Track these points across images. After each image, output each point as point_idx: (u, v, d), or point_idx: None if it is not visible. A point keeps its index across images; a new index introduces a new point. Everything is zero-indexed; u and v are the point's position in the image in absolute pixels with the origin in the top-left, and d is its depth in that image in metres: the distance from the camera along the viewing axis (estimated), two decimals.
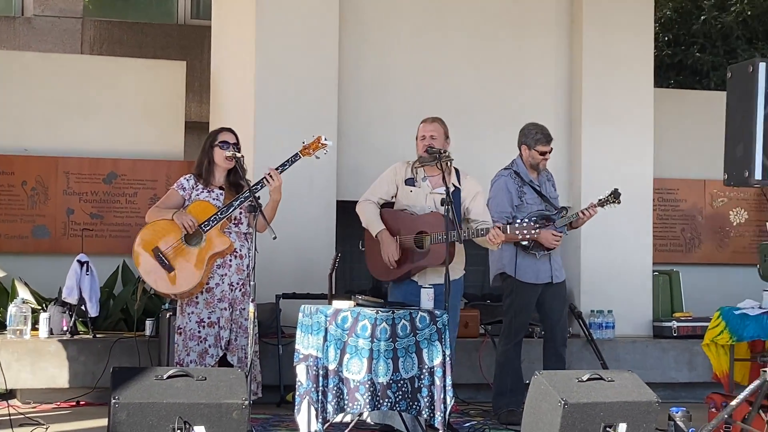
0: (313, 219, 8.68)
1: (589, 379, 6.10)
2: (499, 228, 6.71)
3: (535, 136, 7.50)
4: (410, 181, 7.07)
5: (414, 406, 6.15)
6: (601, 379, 6.15)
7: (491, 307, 8.94)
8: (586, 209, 7.51)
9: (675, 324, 9.25)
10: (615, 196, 7.48)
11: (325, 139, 6.80)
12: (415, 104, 9.04)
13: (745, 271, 9.87)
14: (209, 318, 6.69)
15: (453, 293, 6.71)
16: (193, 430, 5.13)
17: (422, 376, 6.18)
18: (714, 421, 6.43)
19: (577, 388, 6.01)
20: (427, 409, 6.13)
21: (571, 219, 7.46)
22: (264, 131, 8.62)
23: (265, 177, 6.66)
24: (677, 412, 6.42)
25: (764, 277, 6.83)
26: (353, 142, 8.98)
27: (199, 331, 6.67)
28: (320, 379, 6.01)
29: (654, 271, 9.60)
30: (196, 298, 6.69)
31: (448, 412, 6.18)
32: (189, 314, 6.70)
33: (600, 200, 7.51)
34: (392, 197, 7.11)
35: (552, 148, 7.58)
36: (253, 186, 6.60)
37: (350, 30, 9.05)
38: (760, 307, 6.99)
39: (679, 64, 13.79)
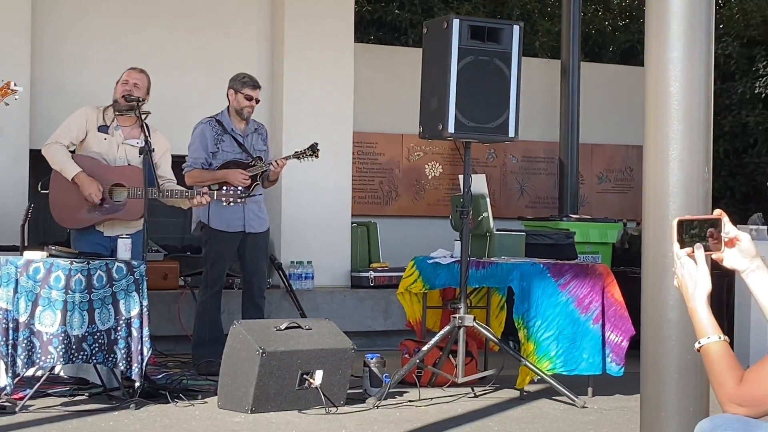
0: (3, 168, 8.33)
1: (287, 328, 6.17)
2: (206, 194, 6.70)
3: (243, 80, 7.47)
4: (103, 129, 6.89)
5: (111, 359, 6.03)
6: (299, 327, 6.23)
7: (191, 259, 8.86)
8: (276, 160, 7.52)
9: (372, 274, 9.48)
10: (313, 149, 7.54)
11: (15, 85, 6.50)
12: (113, 52, 8.82)
13: (439, 223, 10.20)
14: None
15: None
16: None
17: (119, 328, 6.06)
18: (406, 366, 6.65)
19: (275, 337, 6.06)
20: (124, 361, 6.02)
21: (263, 168, 7.43)
22: None
23: None
24: (372, 359, 6.59)
25: (455, 227, 7.08)
26: (48, 89, 8.67)
27: None
28: (10, 332, 5.78)
29: (353, 223, 9.79)
30: None
31: (145, 364, 6.10)
32: None
33: (297, 152, 7.55)
34: (80, 142, 6.92)
35: (259, 98, 7.56)
36: None
37: None
38: (452, 256, 7.25)
39: (379, 21, 14.05)
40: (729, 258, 2.89)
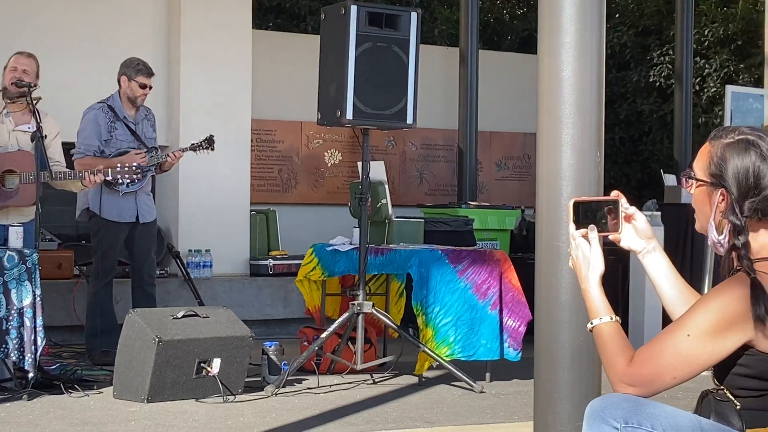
0: None
1: (184, 316, 6.11)
2: (100, 172, 6.58)
3: (136, 66, 7.34)
4: None
5: (2, 349, 5.90)
6: (196, 315, 6.17)
7: (86, 248, 8.72)
8: (173, 152, 7.41)
9: (271, 262, 9.43)
10: (209, 142, 7.45)
11: None
12: (4, 35, 8.62)
13: (338, 210, 10.18)
14: None
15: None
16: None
17: (11, 318, 5.93)
18: (305, 354, 6.63)
19: (171, 325, 6.00)
20: (16, 352, 5.90)
21: (159, 159, 7.32)
22: None
23: None
24: (270, 346, 6.56)
25: (354, 214, 7.07)
26: None
27: None
28: None
29: (251, 211, 9.73)
30: None
31: (38, 354, 5.99)
32: None
33: (193, 145, 7.45)
34: None
35: (152, 85, 7.45)
36: None
37: None
38: (351, 244, 7.24)
39: (277, 7, 13.97)
40: (626, 239, 2.93)
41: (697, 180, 2.80)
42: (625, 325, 8.00)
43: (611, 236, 2.88)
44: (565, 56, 3.42)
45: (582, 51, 3.42)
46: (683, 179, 2.85)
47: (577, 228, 2.84)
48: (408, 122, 6.77)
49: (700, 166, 2.81)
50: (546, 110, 3.46)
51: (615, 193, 2.90)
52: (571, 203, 2.84)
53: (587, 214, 2.83)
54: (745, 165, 2.72)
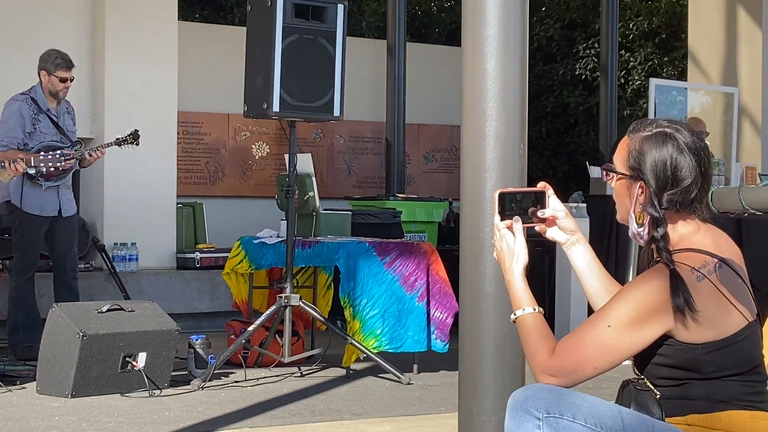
0: None
1: (108, 310, 6.05)
2: (23, 162, 6.48)
3: (55, 61, 7.24)
4: None
5: None
6: (121, 309, 6.12)
7: (8, 242, 8.59)
8: (94, 149, 7.31)
9: (198, 255, 9.38)
10: (134, 137, 7.36)
11: None
12: None
13: (266, 203, 10.14)
14: None
15: None
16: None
17: None
18: (232, 347, 6.61)
19: (96, 319, 5.94)
20: None
21: (83, 153, 7.22)
22: None
23: None
24: (197, 340, 6.53)
25: (281, 207, 7.05)
26: None
27: None
28: None
29: (178, 204, 9.66)
30: None
31: None
32: None
33: (118, 139, 7.36)
34: None
35: (74, 77, 7.36)
36: None
37: None
38: (278, 236, 7.22)
39: None
40: (551, 230, 2.95)
41: (617, 173, 2.83)
42: (551, 316, 8.08)
43: (537, 227, 2.90)
44: (489, 49, 3.44)
45: (505, 44, 3.44)
46: (603, 172, 2.88)
47: (502, 219, 2.85)
48: (335, 115, 6.76)
49: (619, 159, 2.84)
50: (470, 103, 3.48)
51: (542, 185, 2.92)
52: (496, 194, 2.85)
53: (512, 206, 2.84)
54: (662, 158, 2.75)
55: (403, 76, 11.07)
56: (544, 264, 8.35)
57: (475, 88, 3.45)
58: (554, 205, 2.92)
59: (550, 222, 2.93)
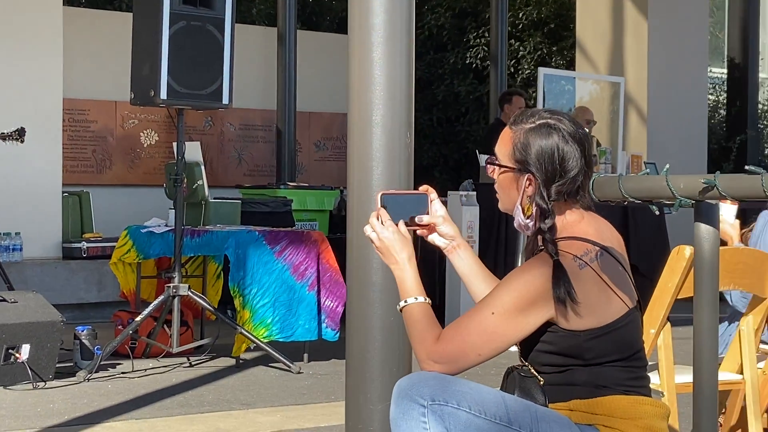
0: None
1: None
2: None
3: None
4: None
5: None
6: (4, 300, 5.99)
7: None
8: None
9: (84, 245, 9.22)
10: (20, 134, 7.19)
11: None
12: None
13: (154, 191, 10.02)
14: None
15: None
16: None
17: None
18: (119, 337, 6.51)
19: None
20: None
21: None
22: None
23: None
24: (83, 331, 6.42)
25: (170, 195, 6.97)
26: None
27: None
28: None
29: (64, 192, 9.47)
30: None
31: None
32: None
33: (2, 134, 7.20)
34: None
35: None
36: None
37: None
38: (166, 225, 7.14)
39: None
40: (432, 236, 2.96)
41: (503, 166, 2.84)
42: (441, 308, 8.12)
43: (419, 231, 2.90)
44: (375, 38, 3.43)
45: (391, 32, 3.43)
46: (487, 165, 2.89)
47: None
48: (224, 102, 6.70)
49: (503, 152, 2.84)
50: (356, 92, 3.47)
51: (424, 188, 2.92)
52: (379, 195, 2.84)
53: (395, 208, 2.83)
54: (549, 149, 2.76)
55: (294, 64, 11.03)
56: (434, 254, 8.38)
57: (362, 76, 3.44)
58: (436, 209, 2.92)
59: (431, 228, 2.94)
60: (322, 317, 6.85)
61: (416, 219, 2.87)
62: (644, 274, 7.06)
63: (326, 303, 6.86)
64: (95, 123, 10.52)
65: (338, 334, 6.81)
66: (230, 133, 11.41)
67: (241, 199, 8.70)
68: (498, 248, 8.80)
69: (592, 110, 10.11)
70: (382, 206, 2.82)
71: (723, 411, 4.34)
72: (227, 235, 6.79)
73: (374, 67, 3.44)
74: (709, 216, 2.57)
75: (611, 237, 2.85)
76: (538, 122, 2.79)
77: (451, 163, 14.80)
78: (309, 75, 11.53)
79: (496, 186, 2.89)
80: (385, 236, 2.82)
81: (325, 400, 5.76)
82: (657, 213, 2.66)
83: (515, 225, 2.86)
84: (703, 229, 2.59)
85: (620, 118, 11.02)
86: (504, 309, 2.67)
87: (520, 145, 2.79)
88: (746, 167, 2.45)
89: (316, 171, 11.91)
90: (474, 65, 14.90)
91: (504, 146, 2.84)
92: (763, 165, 12.68)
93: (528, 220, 2.80)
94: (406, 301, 2.80)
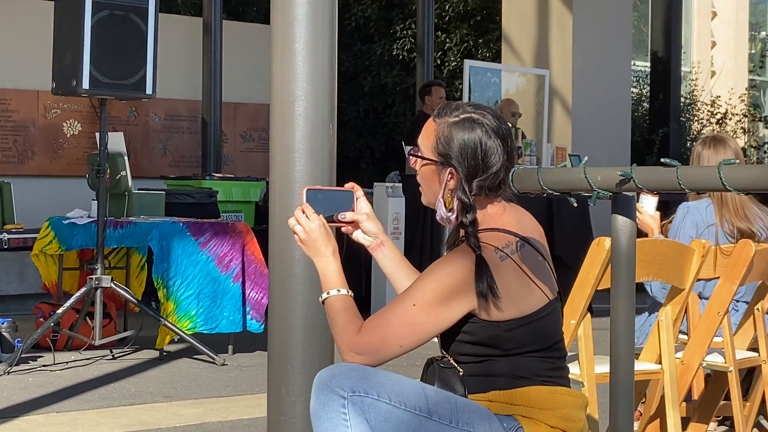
0: None
1: None
2: None
3: None
4: None
5: None
6: None
7: None
8: None
9: (5, 236, 9.06)
10: None
11: None
12: None
13: (77, 182, 9.89)
14: None
15: None
16: None
17: None
18: (40, 330, 6.44)
19: None
20: None
21: None
22: None
23: None
24: (3, 323, 6.33)
25: (92, 186, 6.89)
26: None
27: None
28: None
29: None
30: None
31: None
32: None
33: None
34: None
35: None
36: None
37: None
38: (89, 216, 7.06)
39: None
40: (356, 233, 2.96)
41: (425, 159, 2.84)
42: (368, 300, 8.13)
43: (343, 228, 2.90)
44: (298, 29, 3.41)
45: (314, 24, 3.42)
46: (409, 156, 2.89)
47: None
48: (147, 93, 6.64)
49: (426, 144, 2.84)
50: (278, 84, 3.45)
51: (350, 185, 2.91)
52: (304, 191, 2.83)
53: (320, 204, 2.83)
54: (472, 144, 2.76)
55: (220, 54, 10.96)
56: (360, 247, 8.38)
57: (284, 68, 3.43)
58: (362, 207, 2.92)
59: (355, 225, 2.94)
60: (247, 309, 6.83)
61: (340, 216, 2.87)
62: (568, 265, 7.13)
63: (251, 295, 6.84)
64: (17, 113, 10.36)
65: (263, 326, 6.79)
66: (155, 124, 11.31)
67: (165, 190, 8.62)
68: (424, 240, 8.83)
69: (518, 102, 10.18)
70: (307, 202, 2.81)
71: (643, 400, 4.41)
72: (151, 226, 6.74)
73: (297, 58, 3.43)
74: (626, 208, 2.60)
75: (533, 228, 2.87)
76: (462, 116, 2.79)
77: (378, 154, 14.81)
78: (235, 65, 11.45)
79: (418, 178, 2.89)
80: (311, 229, 2.82)
81: (249, 392, 5.74)
82: (575, 205, 2.69)
83: (437, 218, 2.87)
84: (620, 220, 2.62)
85: (545, 110, 11.11)
86: (425, 300, 2.68)
87: (444, 139, 2.79)
88: (662, 160, 2.48)
89: (243, 162, 11.84)
90: (401, 57, 14.91)
91: (427, 138, 2.84)
92: (685, 157, 12.86)
93: (450, 213, 2.81)
94: (328, 293, 2.80)
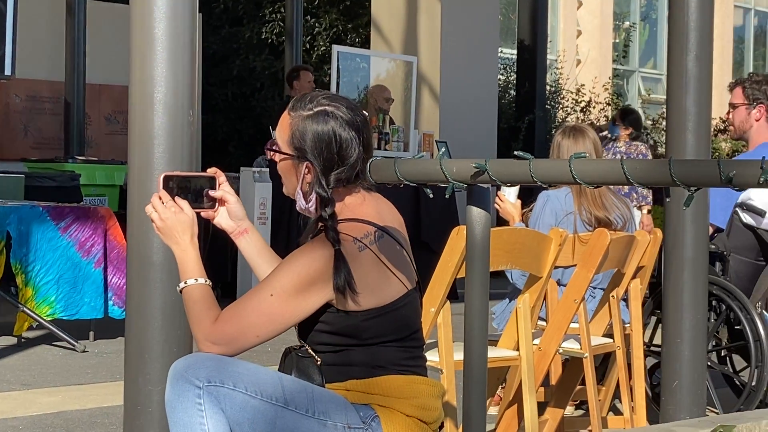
0: None
1: None
2: None
3: None
4: None
5: None
6: None
7: None
8: None
9: None
10: None
11: None
12: None
13: None
14: None
15: None
16: None
17: None
18: None
19: None
20: None
21: None
22: None
23: None
24: None
25: None
26: None
27: None
28: None
29: None
30: None
31: None
32: None
33: None
34: None
35: None
36: None
37: None
38: None
39: None
40: (219, 218, 2.93)
41: (282, 153, 2.82)
42: (233, 286, 8.08)
43: (203, 214, 2.87)
44: (158, 14, 3.36)
45: (174, 9, 3.37)
46: (267, 151, 2.87)
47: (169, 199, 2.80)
48: (6, 73, 6.50)
49: (283, 138, 2.82)
50: (138, 68, 3.40)
51: (213, 170, 2.89)
52: (161, 177, 2.79)
53: (180, 190, 2.80)
54: (327, 137, 2.75)
55: (84, 34, 10.75)
56: (226, 235, 8.32)
57: (144, 53, 3.38)
58: (226, 191, 2.90)
59: (217, 210, 2.91)
60: (109, 295, 6.73)
61: (206, 200, 2.84)
62: (435, 251, 7.19)
63: (113, 280, 6.75)
64: None
65: (125, 312, 6.69)
66: (16, 105, 11.04)
67: (25, 173, 8.43)
68: (291, 226, 8.81)
69: (389, 88, 10.23)
70: (165, 188, 2.78)
71: (502, 385, 4.48)
72: (9, 210, 6.58)
73: (156, 44, 3.37)
74: (481, 199, 2.64)
75: (392, 218, 2.88)
76: (315, 109, 2.78)
77: (246, 138, 14.72)
78: (100, 46, 11.24)
79: (278, 170, 2.88)
80: (166, 216, 2.79)
81: (110, 379, 5.66)
82: (431, 196, 2.72)
83: (297, 209, 2.87)
84: (475, 212, 2.66)
85: (413, 96, 11.18)
86: (283, 290, 2.67)
87: (298, 133, 2.77)
88: (515, 153, 2.52)
89: (107, 145, 11.65)
90: (270, 40, 14.84)
91: (283, 132, 2.82)
92: (549, 144, 13.10)
93: (309, 205, 2.81)
94: (186, 282, 2.77)
